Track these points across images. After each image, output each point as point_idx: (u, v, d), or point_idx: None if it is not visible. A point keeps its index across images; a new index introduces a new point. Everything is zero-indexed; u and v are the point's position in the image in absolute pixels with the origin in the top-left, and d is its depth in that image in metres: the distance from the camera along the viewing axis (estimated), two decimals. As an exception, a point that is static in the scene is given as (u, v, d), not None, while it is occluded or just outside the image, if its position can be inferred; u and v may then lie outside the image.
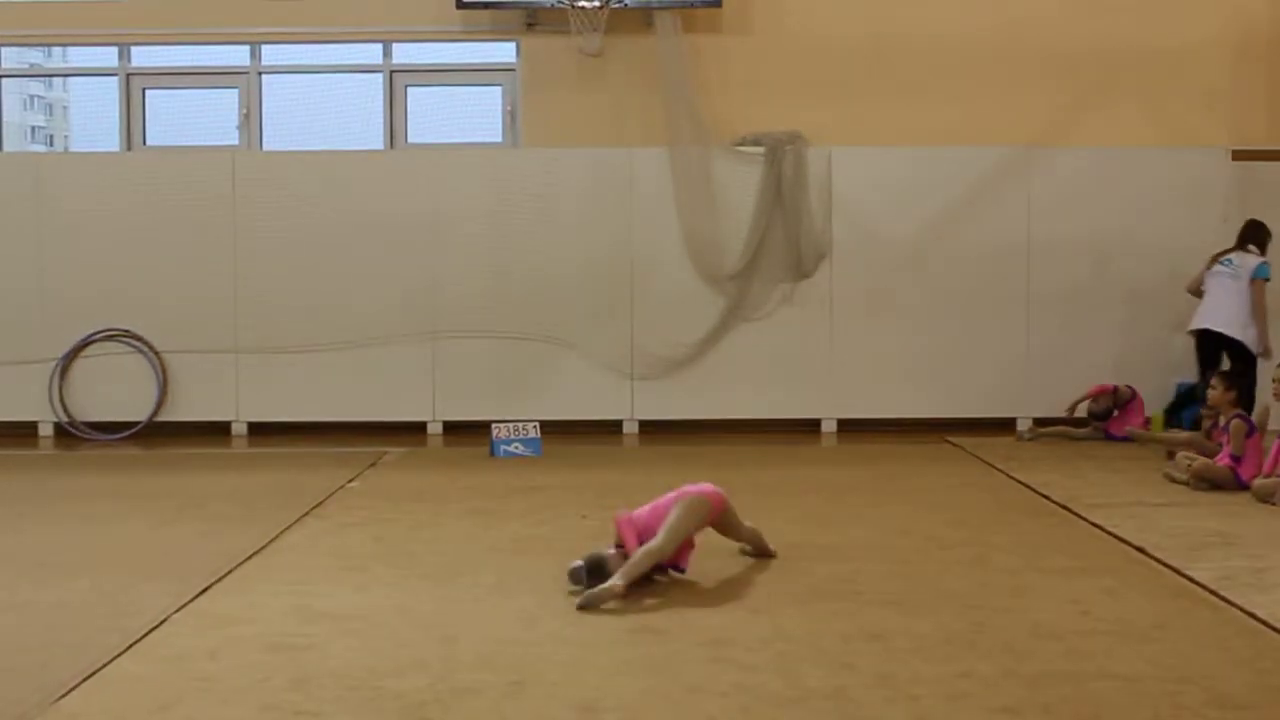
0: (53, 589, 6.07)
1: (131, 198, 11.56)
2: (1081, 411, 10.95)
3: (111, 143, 12.60)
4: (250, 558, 6.67)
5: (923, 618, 5.45)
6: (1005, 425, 11.38)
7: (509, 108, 12.47)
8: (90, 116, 13.50)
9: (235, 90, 12.55)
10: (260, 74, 12.55)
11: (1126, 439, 10.57)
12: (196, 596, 5.88)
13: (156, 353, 11.60)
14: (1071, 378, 10.75)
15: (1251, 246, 10.27)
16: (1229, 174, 11.58)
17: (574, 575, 5.86)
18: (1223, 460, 8.58)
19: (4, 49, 12.94)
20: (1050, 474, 9.17)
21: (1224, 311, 10.14)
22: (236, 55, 12.55)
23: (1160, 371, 11.22)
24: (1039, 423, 11.26)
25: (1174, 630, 5.27)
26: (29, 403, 11.57)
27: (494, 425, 10.47)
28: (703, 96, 11.84)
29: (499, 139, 12.57)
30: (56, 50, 14.84)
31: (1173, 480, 8.74)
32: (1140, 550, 6.72)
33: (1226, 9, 12.00)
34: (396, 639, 5.20)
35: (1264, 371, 9.78)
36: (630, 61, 11.90)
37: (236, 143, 12.50)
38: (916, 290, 11.57)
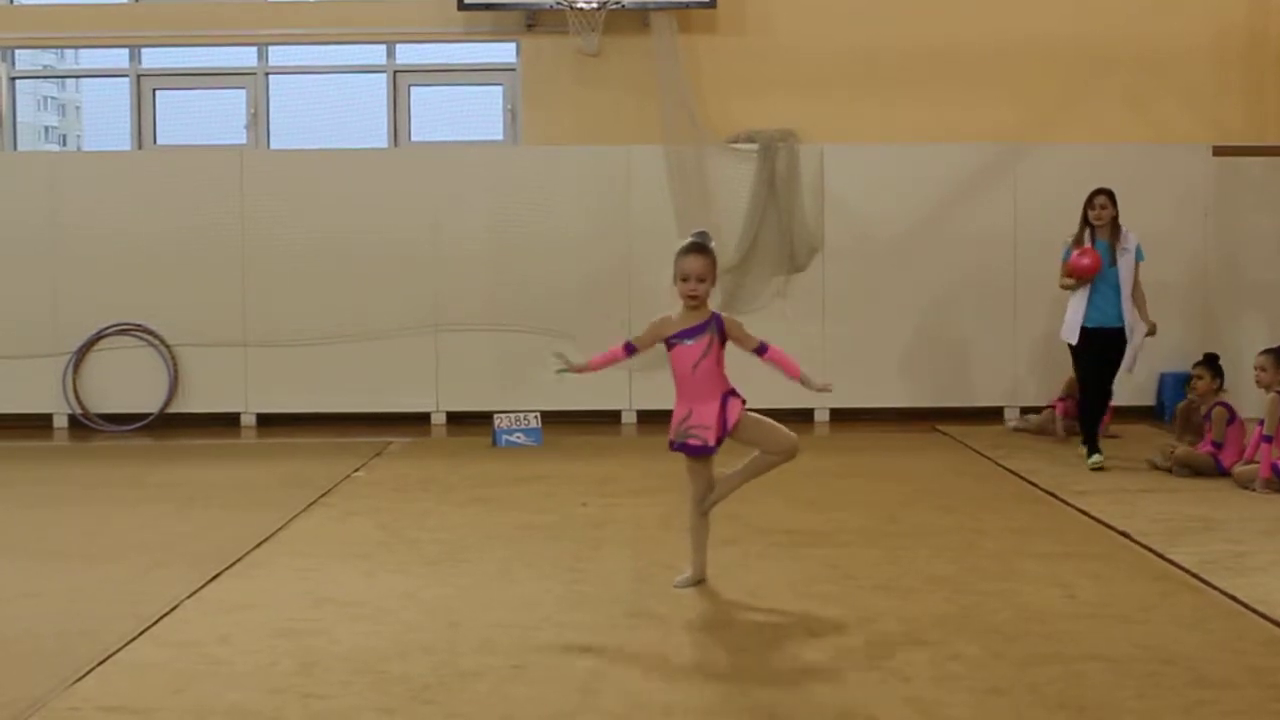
0: (68, 576, 6.15)
1: (143, 195, 11.66)
2: None
3: (123, 142, 12.65)
4: (259, 545, 6.73)
5: (913, 601, 5.54)
6: (993, 415, 11.47)
7: (509, 107, 12.52)
8: (102, 117, 13.48)
9: (243, 91, 12.61)
10: (267, 75, 12.60)
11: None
12: (207, 583, 5.94)
13: (168, 346, 11.72)
14: (1057, 369, 10.83)
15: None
16: (1210, 170, 11.72)
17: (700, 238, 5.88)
18: (1204, 448, 8.69)
19: (18, 51, 13.03)
20: (1036, 461, 9.25)
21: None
22: (244, 57, 12.61)
23: (1143, 361, 11.32)
24: (1024, 411, 11.38)
25: (1157, 613, 5.35)
26: (44, 395, 11.69)
27: (496, 416, 10.58)
28: (698, 95, 11.91)
29: (500, 137, 12.61)
30: (69, 52, 14.90)
31: (1155, 467, 8.83)
32: (1124, 535, 6.80)
33: (1207, 9, 12.07)
34: (401, 623, 5.27)
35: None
36: (627, 61, 11.95)
37: (244, 142, 12.55)
38: (906, 284, 11.68)
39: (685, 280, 5.83)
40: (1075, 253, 9.10)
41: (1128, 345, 9.15)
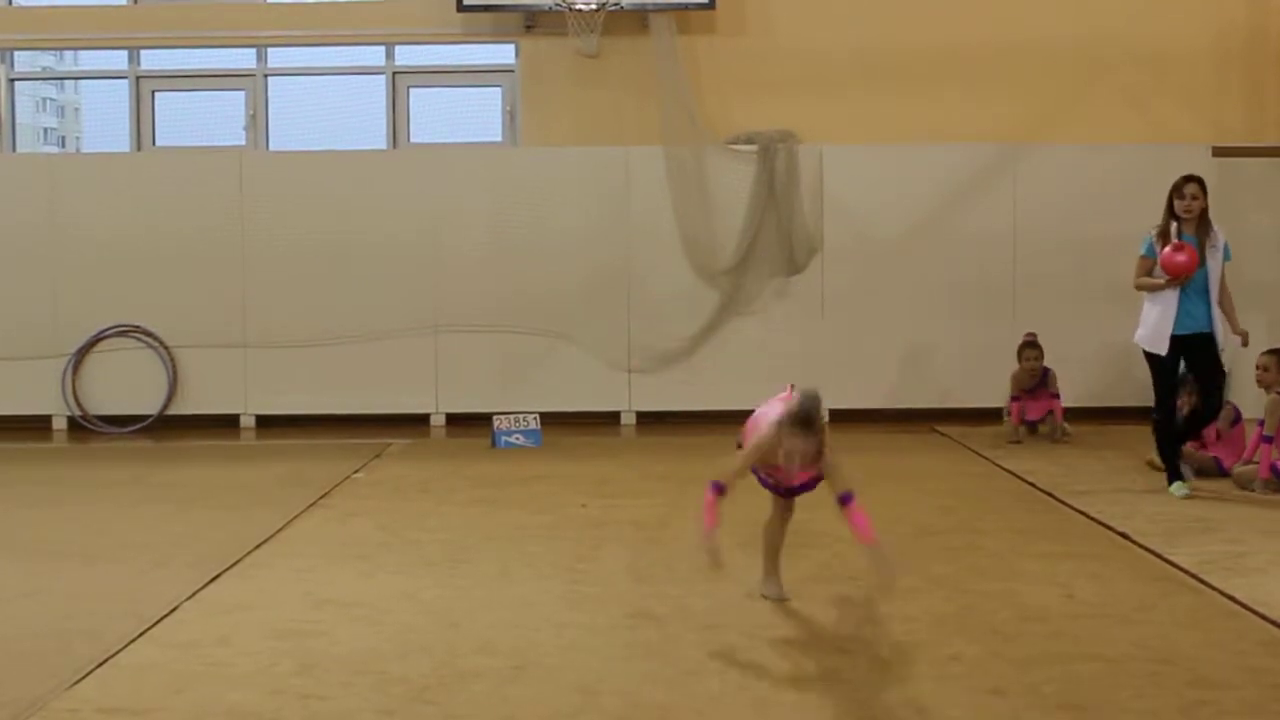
0: (68, 577, 6.15)
1: (142, 197, 11.66)
2: None
3: (122, 144, 12.64)
4: (259, 546, 6.73)
5: (913, 602, 5.52)
6: (993, 415, 11.42)
7: (508, 108, 12.53)
8: (101, 118, 13.47)
9: (242, 92, 12.62)
10: (266, 76, 12.62)
11: None
12: (207, 584, 5.94)
13: (167, 348, 11.72)
14: (1056, 371, 10.82)
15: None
16: (1210, 170, 11.66)
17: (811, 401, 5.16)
18: (1213, 450, 8.65)
19: (17, 53, 13.02)
20: (1035, 462, 9.24)
21: None
22: (243, 58, 12.61)
23: (1142, 365, 11.30)
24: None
25: (1156, 613, 5.35)
26: (43, 397, 11.69)
27: (495, 417, 10.58)
28: (697, 96, 11.91)
29: (499, 138, 12.62)
30: (68, 54, 14.91)
31: (1154, 468, 8.70)
32: (1123, 535, 6.79)
33: (1207, 9, 12.08)
34: (401, 624, 5.28)
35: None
36: (626, 62, 11.95)
37: (243, 143, 12.56)
38: (905, 284, 11.67)
39: (790, 462, 5.14)
40: (1169, 248, 7.88)
41: (1220, 357, 8.16)
